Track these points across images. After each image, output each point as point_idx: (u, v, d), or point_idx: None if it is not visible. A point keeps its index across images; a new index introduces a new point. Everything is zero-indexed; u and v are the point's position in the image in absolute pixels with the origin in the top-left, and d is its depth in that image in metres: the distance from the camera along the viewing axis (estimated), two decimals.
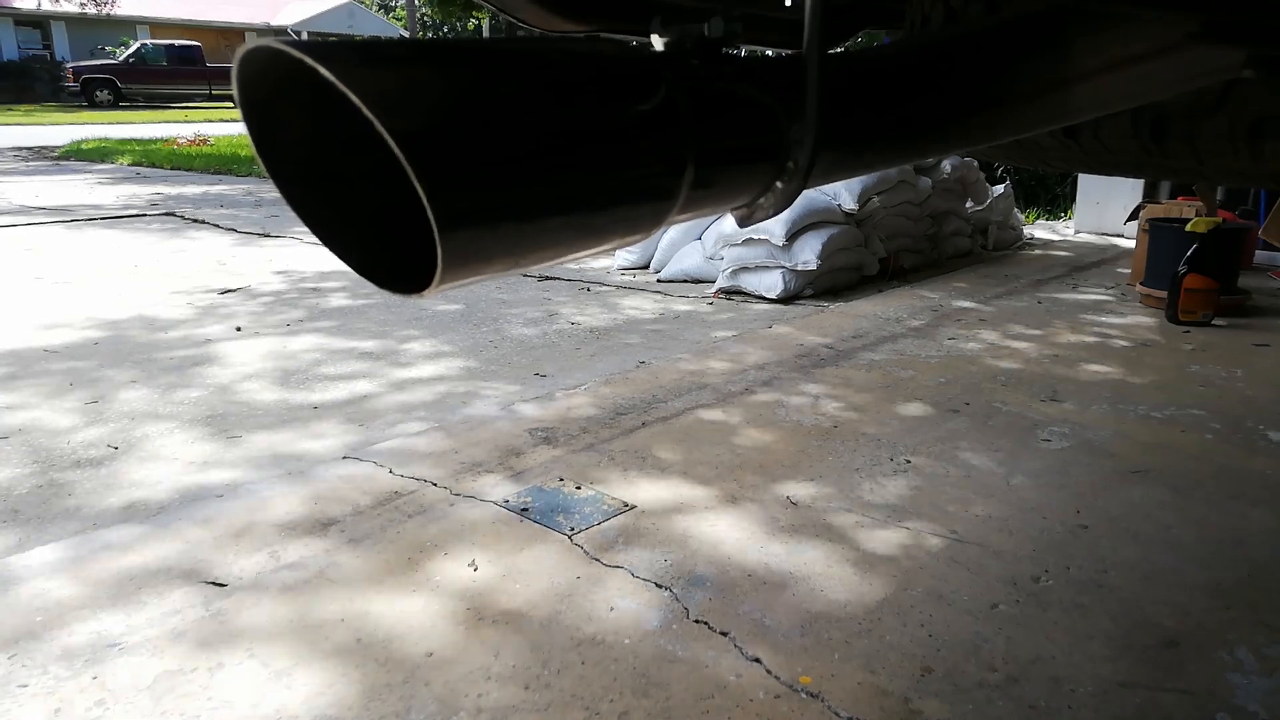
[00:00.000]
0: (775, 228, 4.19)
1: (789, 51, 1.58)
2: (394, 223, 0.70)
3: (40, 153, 11.90)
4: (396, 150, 0.57)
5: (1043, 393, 2.91)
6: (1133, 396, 2.88)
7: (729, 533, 1.95)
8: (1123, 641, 1.58)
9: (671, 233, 4.76)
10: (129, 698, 1.40)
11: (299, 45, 0.58)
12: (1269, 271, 4.88)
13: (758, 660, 1.51)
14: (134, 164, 10.45)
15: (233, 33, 30.56)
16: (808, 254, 4.21)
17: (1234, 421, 2.67)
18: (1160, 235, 4.18)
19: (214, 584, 1.72)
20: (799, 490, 2.17)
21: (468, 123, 0.63)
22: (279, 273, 4.77)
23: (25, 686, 1.42)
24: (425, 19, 26.96)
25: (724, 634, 1.58)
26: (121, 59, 23.96)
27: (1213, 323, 3.78)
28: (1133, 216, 4.97)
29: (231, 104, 22.78)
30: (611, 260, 5.05)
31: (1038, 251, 5.74)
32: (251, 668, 1.48)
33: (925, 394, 2.88)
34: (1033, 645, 1.57)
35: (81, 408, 2.71)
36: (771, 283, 4.25)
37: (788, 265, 4.23)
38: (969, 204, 5.50)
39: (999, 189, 5.80)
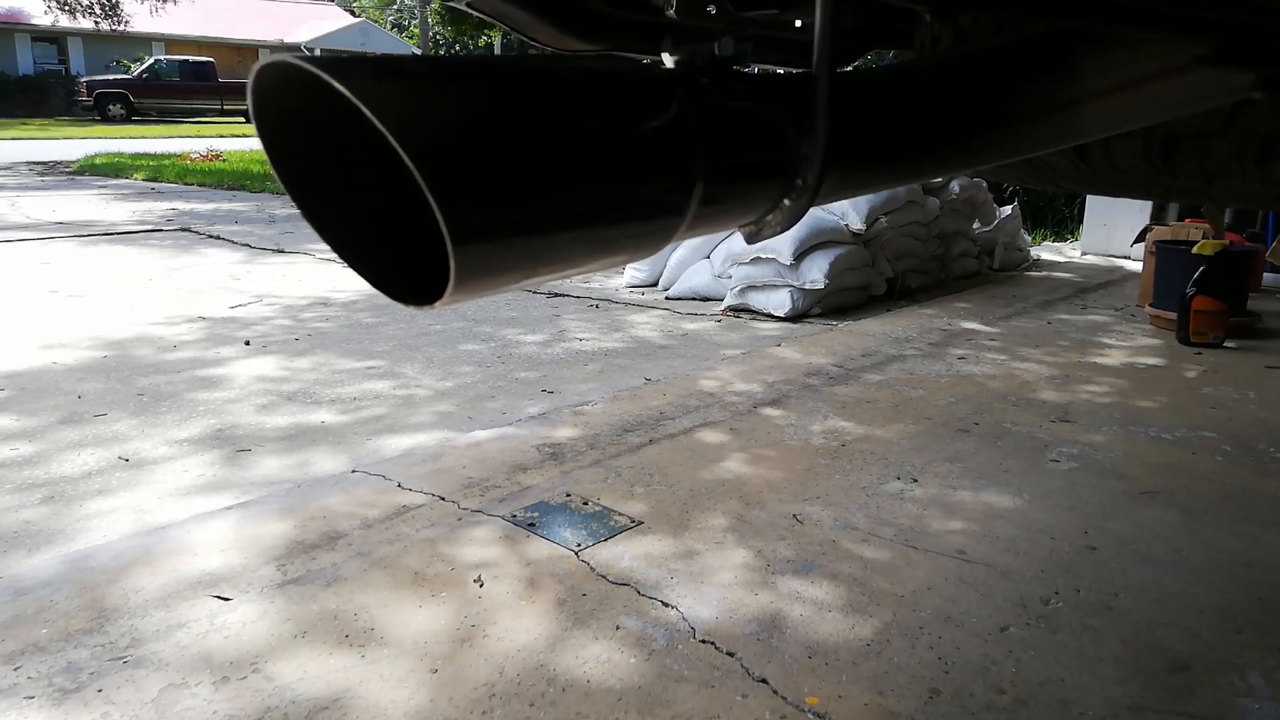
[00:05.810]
0: (783, 246, 4.20)
1: (799, 70, 1.59)
2: (407, 236, 0.71)
3: (55, 167, 12.01)
4: (410, 164, 0.57)
5: (1052, 413, 2.90)
6: (1143, 418, 2.87)
7: (735, 551, 1.95)
8: (1133, 665, 1.57)
9: (680, 250, 4.78)
10: None
11: (314, 61, 0.59)
12: (1278, 294, 4.86)
13: (764, 681, 1.50)
14: (147, 179, 10.53)
15: (247, 49, 30.89)
16: (815, 273, 4.21)
17: (1246, 444, 2.65)
18: (1167, 257, 4.17)
19: (221, 596, 1.72)
20: (806, 508, 2.16)
21: (481, 138, 0.63)
22: (290, 289, 4.80)
23: None
24: (438, 37, 27.21)
25: (730, 654, 1.58)
26: (135, 74, 24.22)
27: (1224, 345, 3.77)
28: (1140, 238, 4.97)
29: (243, 119, 22.99)
30: (620, 277, 5.06)
31: (1045, 273, 5.73)
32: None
33: (934, 413, 2.87)
34: (1042, 668, 1.55)
35: (85, 425, 2.72)
36: (779, 301, 4.26)
37: (795, 284, 4.24)
38: (976, 225, 5.50)
39: (1006, 210, 5.80)
